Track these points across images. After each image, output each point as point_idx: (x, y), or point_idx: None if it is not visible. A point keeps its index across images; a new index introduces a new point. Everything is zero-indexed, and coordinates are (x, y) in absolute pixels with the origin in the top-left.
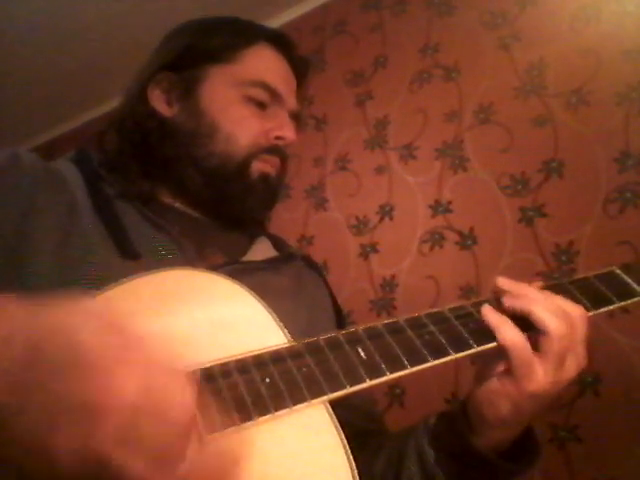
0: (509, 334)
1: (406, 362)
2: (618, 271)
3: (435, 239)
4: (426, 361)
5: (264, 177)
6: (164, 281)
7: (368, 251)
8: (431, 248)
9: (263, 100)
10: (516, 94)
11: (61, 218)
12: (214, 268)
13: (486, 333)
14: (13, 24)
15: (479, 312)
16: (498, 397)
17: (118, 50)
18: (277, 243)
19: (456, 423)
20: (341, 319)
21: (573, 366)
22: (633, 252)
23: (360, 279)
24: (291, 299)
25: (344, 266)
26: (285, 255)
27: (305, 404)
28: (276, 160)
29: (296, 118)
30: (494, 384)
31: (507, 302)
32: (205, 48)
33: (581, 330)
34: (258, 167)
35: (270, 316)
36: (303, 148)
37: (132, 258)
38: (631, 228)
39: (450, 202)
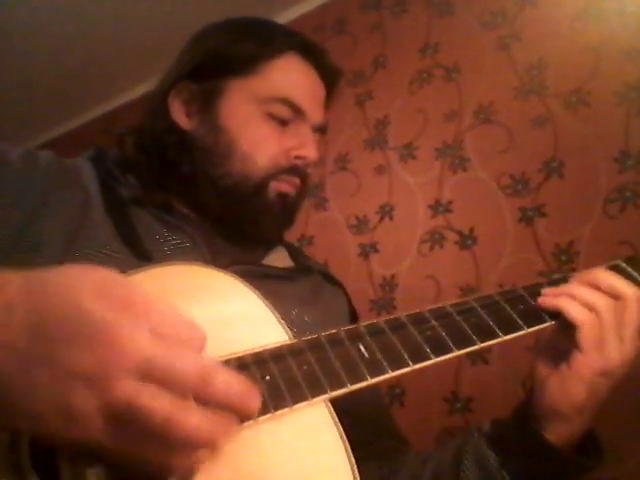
0: (577, 310)
1: (408, 359)
2: (623, 264)
3: (435, 239)
4: (428, 358)
5: (282, 197)
6: (165, 276)
7: (368, 251)
8: (431, 248)
9: (285, 117)
10: (516, 94)
11: (72, 216)
12: (226, 266)
13: (488, 329)
14: (13, 24)
15: (482, 307)
16: (570, 382)
17: (119, 50)
18: (294, 254)
19: (523, 420)
20: None
21: (633, 345)
22: (633, 252)
23: (360, 279)
24: (304, 308)
25: (344, 266)
26: (302, 267)
27: (305, 403)
28: (296, 180)
29: (322, 131)
30: (564, 370)
31: (540, 301)
32: (227, 58)
33: (633, 309)
34: (276, 187)
35: (271, 313)
36: None
37: (142, 257)
38: (631, 228)
39: (450, 202)
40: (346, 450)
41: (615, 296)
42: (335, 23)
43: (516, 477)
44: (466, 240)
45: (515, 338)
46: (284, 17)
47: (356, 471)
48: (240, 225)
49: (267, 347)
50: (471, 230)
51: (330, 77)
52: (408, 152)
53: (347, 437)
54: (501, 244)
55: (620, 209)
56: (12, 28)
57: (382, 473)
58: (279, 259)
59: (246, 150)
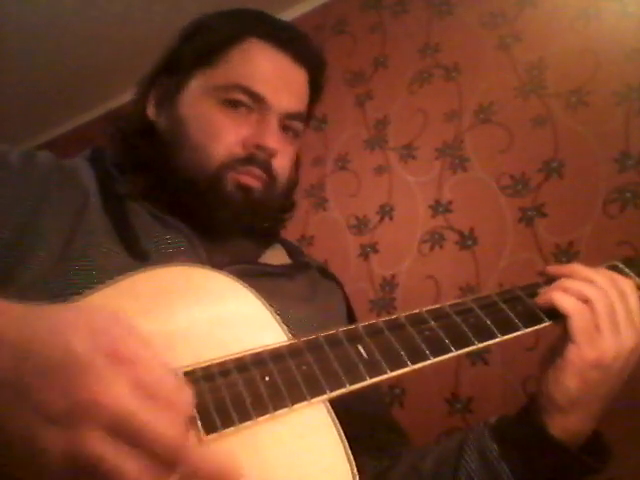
0: (568, 301)
1: (407, 359)
2: (621, 265)
3: (435, 239)
4: (427, 358)
5: (243, 188)
6: (162, 278)
7: (368, 251)
8: (431, 248)
9: (244, 105)
10: (516, 94)
11: (70, 216)
12: (223, 266)
13: (486, 330)
14: (13, 24)
15: (480, 308)
16: (563, 373)
17: (119, 50)
18: (292, 251)
19: (527, 413)
20: None
21: (630, 335)
22: (633, 252)
23: (360, 279)
24: (301, 306)
25: (344, 266)
26: (300, 264)
27: (305, 403)
28: (257, 171)
29: (298, 118)
30: (558, 361)
31: (537, 299)
32: (189, 51)
33: (626, 299)
34: (234, 179)
35: (270, 313)
36: (303, 148)
37: (139, 257)
38: (631, 228)
39: (450, 202)
40: (345, 450)
41: (608, 287)
42: (335, 23)
43: (516, 470)
44: (466, 240)
45: (513, 338)
46: (284, 17)
47: (355, 471)
48: (200, 217)
49: (266, 348)
50: (471, 230)
51: (308, 61)
52: (408, 152)
53: (346, 430)
54: (501, 244)
55: (620, 209)
56: (12, 28)
57: (382, 465)
58: (276, 256)
59: (201, 140)
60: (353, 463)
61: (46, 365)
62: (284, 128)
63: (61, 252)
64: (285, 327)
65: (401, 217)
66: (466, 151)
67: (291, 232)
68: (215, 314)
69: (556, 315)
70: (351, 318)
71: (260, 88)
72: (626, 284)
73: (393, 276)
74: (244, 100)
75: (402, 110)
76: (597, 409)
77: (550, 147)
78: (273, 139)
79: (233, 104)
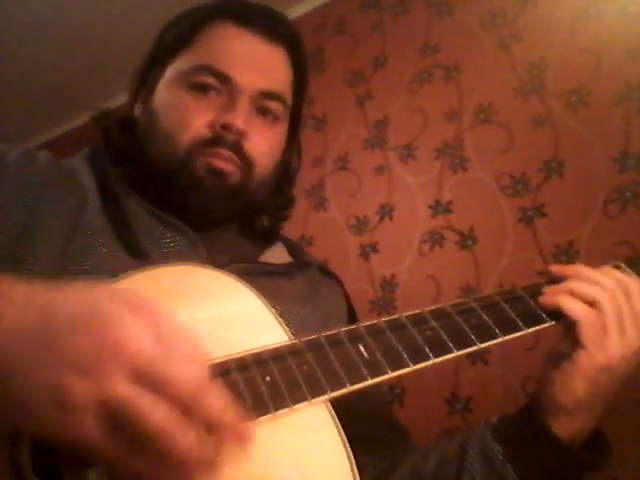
0: (576, 306)
1: (408, 359)
2: (623, 265)
3: (435, 239)
4: (428, 359)
5: (215, 171)
6: (163, 277)
7: (368, 251)
8: (431, 248)
9: (210, 86)
10: (516, 94)
11: (69, 216)
12: (224, 265)
13: (487, 330)
14: (13, 24)
15: (481, 308)
16: (572, 377)
17: (119, 50)
18: (292, 249)
19: (530, 414)
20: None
21: (636, 336)
22: (633, 252)
23: (360, 279)
24: (302, 305)
25: (344, 266)
26: (300, 262)
27: (305, 403)
28: (226, 152)
29: (271, 97)
30: (566, 365)
31: (541, 300)
32: (162, 45)
33: (632, 300)
34: (204, 162)
35: (271, 313)
36: (303, 148)
37: (138, 256)
38: (631, 228)
39: (450, 202)
40: (346, 450)
41: (613, 287)
42: (335, 23)
43: (519, 470)
44: (466, 240)
45: (515, 339)
46: None
47: (356, 471)
48: (175, 202)
49: (267, 347)
50: (471, 230)
51: (283, 37)
52: (408, 152)
53: (347, 430)
54: (501, 244)
55: (620, 209)
56: (12, 28)
57: (383, 466)
58: (277, 255)
59: (169, 127)
60: (354, 463)
61: (72, 317)
62: (261, 110)
63: (61, 252)
64: (286, 327)
65: (401, 217)
66: (466, 151)
67: (291, 232)
68: (216, 314)
69: (558, 315)
70: (352, 316)
71: (225, 67)
72: (631, 284)
73: (393, 276)
74: (211, 82)
75: (402, 110)
76: (600, 409)
77: (550, 147)
78: (239, 118)
79: (201, 88)
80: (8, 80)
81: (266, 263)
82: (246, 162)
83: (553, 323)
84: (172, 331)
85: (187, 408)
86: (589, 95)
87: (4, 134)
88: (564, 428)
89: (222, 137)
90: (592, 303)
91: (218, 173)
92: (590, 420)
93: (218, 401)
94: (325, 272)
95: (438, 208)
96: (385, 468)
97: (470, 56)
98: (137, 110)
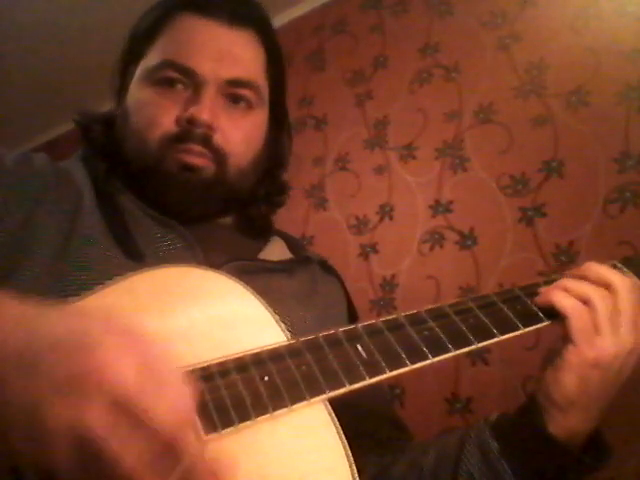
0: (567, 301)
1: (406, 359)
2: (620, 265)
3: (435, 239)
4: (426, 358)
5: (187, 167)
6: (161, 278)
7: (368, 251)
8: (431, 248)
9: (177, 80)
10: (516, 94)
11: (66, 218)
12: (223, 264)
13: (485, 329)
14: (14, 24)
15: (479, 307)
16: (562, 372)
17: (119, 50)
18: (292, 245)
19: (527, 412)
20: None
21: (629, 336)
22: (633, 252)
23: (360, 279)
24: (300, 302)
25: (344, 266)
26: (300, 258)
27: (304, 403)
28: (196, 147)
29: (241, 85)
30: (557, 361)
31: (537, 299)
32: (133, 41)
33: (625, 299)
34: (175, 158)
35: (268, 313)
36: (303, 148)
37: (135, 257)
38: (631, 228)
39: (450, 202)
40: (345, 450)
41: (606, 286)
42: (335, 23)
43: (515, 468)
44: (466, 240)
45: (512, 338)
46: (284, 17)
47: (355, 470)
48: (157, 204)
49: (265, 348)
50: (471, 230)
51: (249, 20)
52: (408, 152)
53: (348, 428)
54: (501, 244)
55: (620, 209)
56: (13, 28)
57: (384, 462)
58: (277, 251)
59: (139, 125)
60: (353, 463)
61: (57, 340)
62: (232, 98)
63: (58, 253)
64: (284, 327)
65: (401, 217)
66: (466, 151)
67: (291, 232)
68: (214, 314)
69: (556, 314)
70: (352, 314)
71: (186, 60)
72: (617, 280)
73: (393, 276)
74: (174, 76)
75: (402, 110)
76: (596, 410)
77: (550, 147)
78: (204, 112)
79: (168, 83)
80: (8, 80)
81: (264, 260)
82: (218, 154)
83: (550, 322)
84: (156, 361)
85: (164, 444)
86: (589, 95)
87: (4, 134)
88: (560, 427)
89: (190, 132)
90: (585, 301)
91: (191, 168)
92: (586, 420)
93: (196, 443)
94: (325, 267)
95: (438, 208)
96: (386, 464)
97: (470, 56)
98: (116, 109)
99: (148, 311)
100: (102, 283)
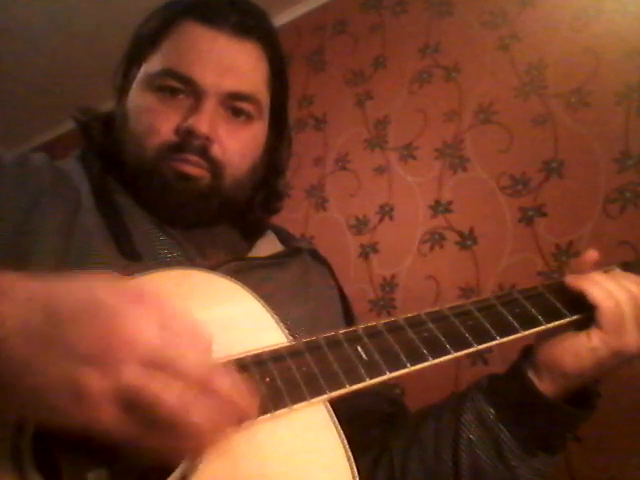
0: (600, 292)
1: (406, 361)
2: (618, 270)
3: (435, 239)
4: (426, 360)
5: (182, 176)
6: (161, 281)
7: (368, 251)
8: (431, 248)
9: (178, 89)
10: (516, 94)
11: (64, 219)
12: (216, 266)
13: (484, 332)
14: (14, 24)
15: (478, 310)
16: (584, 353)
17: (120, 50)
18: (283, 237)
19: (520, 375)
20: (349, 312)
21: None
22: (633, 252)
23: (360, 279)
24: (296, 297)
25: (344, 266)
26: (291, 250)
27: (305, 403)
28: (193, 158)
29: (240, 98)
30: (582, 340)
31: (568, 280)
32: (136, 43)
33: None
34: (172, 167)
35: (269, 315)
36: (303, 148)
37: (133, 259)
38: (631, 228)
39: (450, 202)
40: (345, 449)
41: (636, 290)
42: (335, 23)
43: (512, 430)
44: (466, 240)
45: (512, 340)
46: (284, 17)
47: (355, 471)
48: (154, 209)
49: (266, 349)
50: (471, 230)
51: (254, 32)
52: (408, 152)
53: (350, 405)
54: (501, 244)
55: (620, 209)
56: (14, 28)
57: (385, 436)
58: (268, 245)
59: (138, 131)
60: (353, 462)
61: (76, 312)
62: (233, 111)
63: (57, 255)
64: (285, 329)
65: (401, 217)
66: (466, 151)
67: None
68: (216, 317)
69: (555, 317)
70: (345, 303)
71: (187, 70)
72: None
73: (393, 276)
74: (176, 86)
75: (402, 110)
76: (578, 383)
77: (550, 147)
78: (203, 124)
79: (169, 91)
80: (9, 80)
81: (254, 258)
82: (215, 165)
83: (549, 326)
84: (174, 318)
85: (198, 387)
86: (589, 95)
87: (4, 134)
88: (557, 386)
89: (188, 142)
90: (613, 296)
91: (186, 178)
92: (581, 382)
93: (226, 378)
94: (315, 256)
95: (438, 208)
96: (387, 439)
97: (470, 56)
98: (116, 109)
99: None
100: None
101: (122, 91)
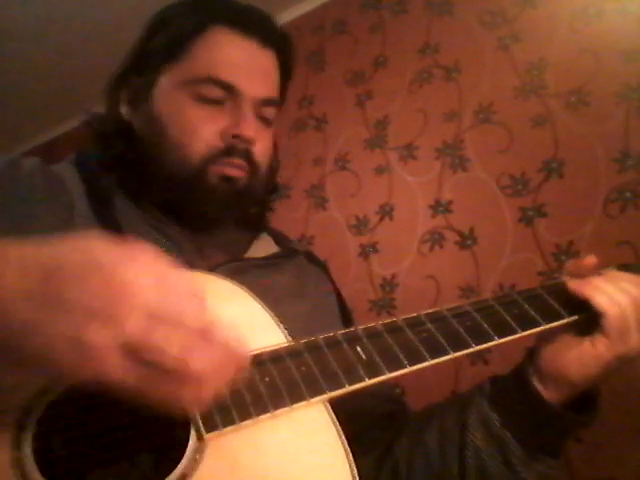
0: (604, 299)
1: (405, 361)
2: (614, 269)
3: (435, 239)
4: (425, 360)
5: (228, 180)
6: None
7: (368, 251)
8: (431, 248)
9: (216, 97)
10: (516, 94)
11: (58, 222)
12: (213, 267)
13: (482, 332)
14: (14, 24)
15: (477, 311)
16: (590, 360)
17: (120, 50)
18: (279, 239)
19: (525, 382)
20: (346, 313)
21: None
22: (633, 252)
23: (360, 279)
24: (292, 296)
25: (344, 266)
26: (287, 251)
27: (304, 403)
28: (238, 161)
29: (271, 104)
30: (587, 348)
31: (571, 285)
32: (156, 46)
33: None
34: (217, 171)
35: (269, 315)
36: (303, 148)
37: None
38: (631, 228)
39: (450, 202)
40: (345, 449)
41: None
42: (335, 23)
43: (518, 435)
44: (466, 240)
45: (510, 341)
46: (284, 17)
47: (354, 469)
48: (188, 211)
49: (266, 349)
50: (471, 230)
51: (273, 42)
52: (408, 152)
53: (349, 405)
54: (501, 244)
55: (620, 209)
56: (13, 28)
57: (386, 438)
58: (264, 246)
59: (178, 137)
60: (352, 462)
61: (74, 269)
62: (260, 116)
63: None
64: (284, 329)
65: (401, 217)
66: (466, 151)
67: (291, 232)
68: (215, 318)
69: (553, 317)
70: (341, 303)
71: (230, 77)
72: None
73: (393, 276)
74: (217, 91)
75: (402, 110)
76: (582, 387)
77: (550, 147)
78: (250, 128)
79: (211, 97)
80: (9, 80)
81: (250, 259)
82: (253, 167)
83: (547, 326)
84: (169, 274)
85: (197, 336)
86: (589, 95)
87: (4, 134)
88: (560, 394)
89: (235, 147)
90: (615, 303)
91: (229, 180)
92: (585, 387)
93: (222, 328)
94: (311, 259)
95: (438, 208)
96: (389, 441)
97: (470, 56)
98: (126, 112)
99: None
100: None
101: (136, 96)
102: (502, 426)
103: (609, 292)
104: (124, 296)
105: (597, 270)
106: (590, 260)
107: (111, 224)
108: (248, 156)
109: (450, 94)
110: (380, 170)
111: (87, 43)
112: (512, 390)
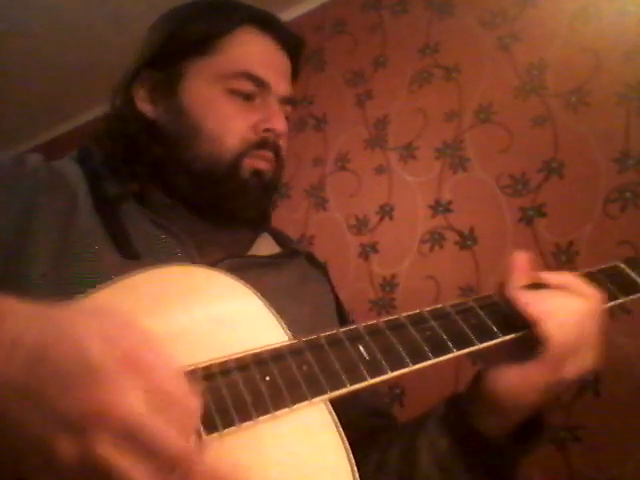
0: (552, 327)
1: (408, 360)
2: (622, 265)
3: (435, 239)
4: (427, 359)
5: (257, 174)
6: (162, 278)
7: (368, 251)
8: (431, 248)
9: (249, 91)
10: (516, 94)
11: (61, 219)
12: (215, 263)
13: (486, 330)
14: (14, 23)
15: (481, 308)
16: (524, 387)
17: (120, 49)
18: (280, 239)
19: (463, 410)
20: (344, 318)
21: (589, 358)
22: (633, 252)
23: (360, 279)
24: (292, 298)
25: (344, 266)
26: (288, 251)
27: (305, 403)
28: (269, 154)
29: (290, 102)
30: (519, 375)
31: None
32: (182, 41)
33: (595, 321)
34: (250, 164)
35: (270, 313)
36: (303, 148)
37: (131, 257)
38: (631, 228)
39: (450, 202)
40: (346, 450)
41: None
42: (335, 23)
43: (464, 461)
44: (466, 240)
45: (514, 339)
46: (284, 17)
47: (356, 471)
48: (218, 208)
49: (267, 347)
50: (471, 230)
51: (292, 46)
52: (408, 152)
53: (340, 417)
54: (501, 244)
55: (620, 209)
56: (13, 28)
57: (374, 457)
58: (266, 246)
59: (212, 131)
60: (353, 462)
61: (60, 372)
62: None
63: (55, 255)
64: (285, 327)
65: (401, 217)
66: (466, 151)
67: (291, 232)
68: (216, 314)
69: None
70: (340, 308)
71: (263, 73)
72: (591, 300)
73: (393, 276)
74: (249, 86)
75: (402, 110)
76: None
77: (550, 147)
78: (281, 122)
79: (239, 91)
80: (8, 79)
81: (255, 256)
82: (280, 160)
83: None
84: (164, 385)
85: (171, 469)
86: (589, 95)
87: (4, 134)
88: (502, 422)
89: (267, 140)
90: (562, 324)
91: (258, 174)
92: (528, 412)
93: (205, 465)
94: (312, 261)
95: (438, 208)
96: (378, 460)
97: (470, 56)
98: (147, 109)
99: (151, 311)
100: (97, 283)
101: (157, 91)
102: (448, 451)
103: (560, 317)
104: (102, 411)
105: (531, 266)
106: (520, 257)
107: (113, 222)
108: (276, 150)
109: (450, 94)
110: (380, 170)
111: (89, 44)
112: (454, 417)
